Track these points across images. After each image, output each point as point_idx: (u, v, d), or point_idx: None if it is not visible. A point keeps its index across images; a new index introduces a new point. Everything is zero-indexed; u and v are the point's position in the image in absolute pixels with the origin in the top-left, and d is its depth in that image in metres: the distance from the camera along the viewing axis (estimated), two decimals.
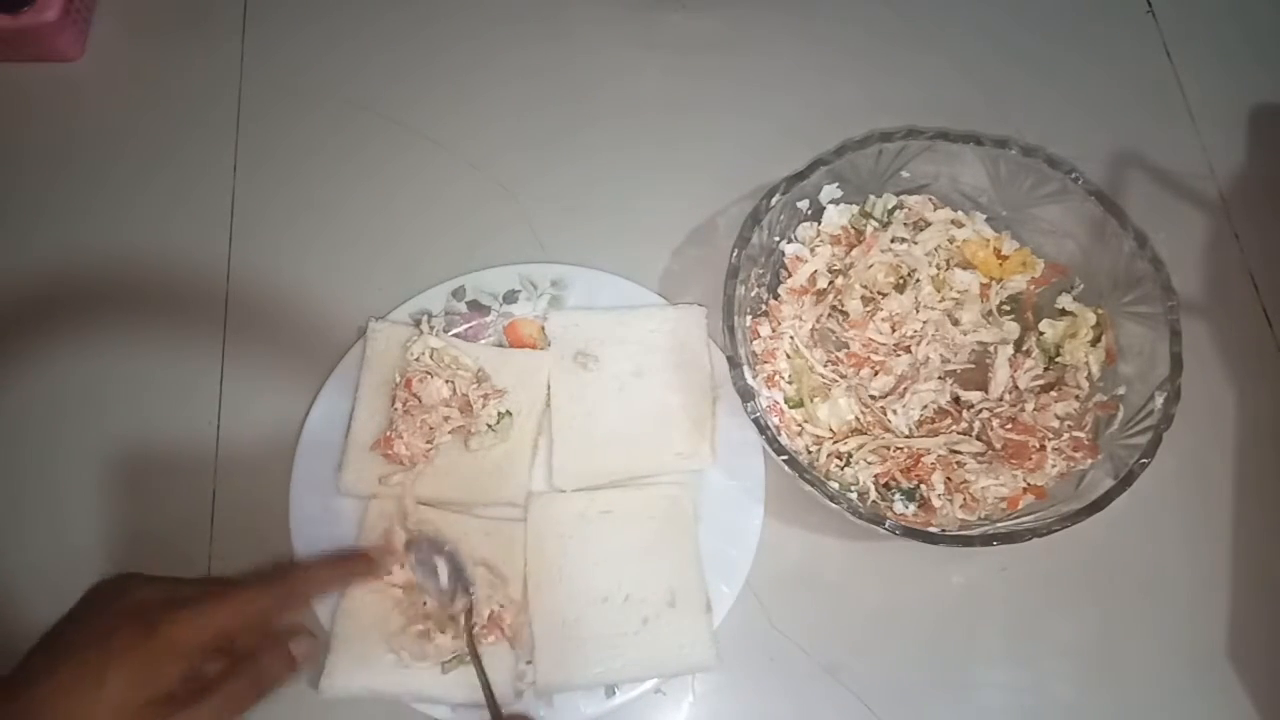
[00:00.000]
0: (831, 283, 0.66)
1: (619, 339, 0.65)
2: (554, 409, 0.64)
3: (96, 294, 0.68)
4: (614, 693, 0.58)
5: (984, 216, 0.67)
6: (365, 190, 0.72)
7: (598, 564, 0.60)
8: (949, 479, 0.60)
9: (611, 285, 0.67)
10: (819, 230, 0.67)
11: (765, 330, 0.64)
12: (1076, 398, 0.62)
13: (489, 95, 0.76)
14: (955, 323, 0.65)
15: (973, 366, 0.65)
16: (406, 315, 0.66)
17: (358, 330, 0.66)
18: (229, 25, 0.77)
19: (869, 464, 0.61)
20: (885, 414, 0.63)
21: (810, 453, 0.62)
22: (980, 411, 0.62)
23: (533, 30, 0.78)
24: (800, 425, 0.63)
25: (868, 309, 0.65)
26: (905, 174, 0.66)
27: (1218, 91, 0.78)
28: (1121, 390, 0.61)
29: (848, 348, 0.64)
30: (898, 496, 0.61)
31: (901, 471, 0.61)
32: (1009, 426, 0.61)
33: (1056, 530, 0.55)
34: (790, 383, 0.64)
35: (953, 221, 0.67)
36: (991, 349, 0.64)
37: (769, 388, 0.63)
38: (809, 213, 0.66)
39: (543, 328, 0.66)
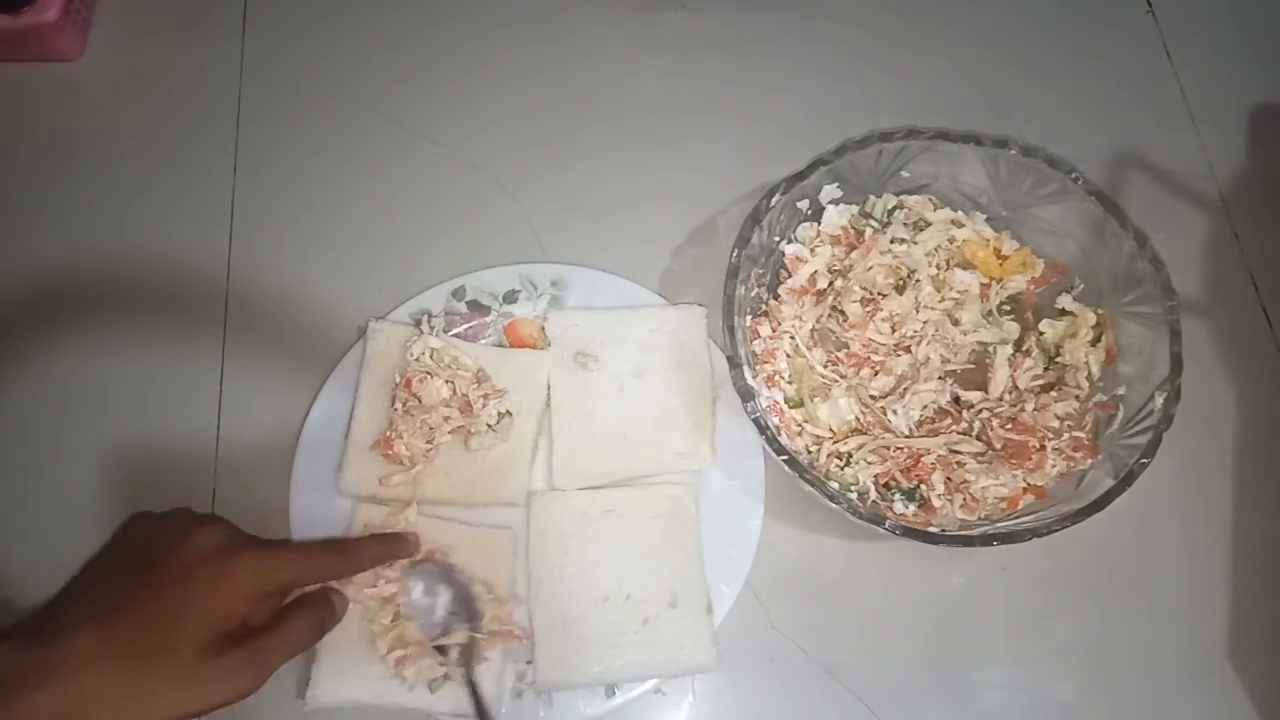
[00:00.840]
0: (831, 283, 0.66)
1: (619, 339, 0.65)
2: (554, 409, 0.64)
3: (97, 294, 0.68)
4: (614, 693, 0.58)
5: (984, 216, 0.67)
6: (365, 190, 0.72)
7: (599, 563, 0.60)
8: (949, 479, 0.60)
9: (611, 285, 0.67)
10: (819, 230, 0.67)
11: (765, 330, 0.64)
12: (1076, 398, 0.62)
13: (489, 95, 0.76)
14: (955, 323, 0.65)
15: (973, 367, 0.65)
16: (406, 315, 0.66)
17: (358, 330, 0.66)
18: (229, 25, 0.77)
19: (869, 464, 0.61)
20: (885, 414, 0.63)
21: (810, 453, 0.62)
22: (980, 411, 0.62)
23: (533, 30, 0.78)
24: (800, 425, 0.63)
25: (867, 310, 0.65)
26: (905, 174, 0.66)
27: (1218, 91, 0.78)
28: (1121, 390, 0.61)
29: (848, 348, 0.64)
30: (898, 496, 0.61)
31: (901, 471, 0.61)
32: (1009, 426, 0.61)
33: (1056, 530, 0.55)
34: (790, 383, 0.64)
35: (953, 221, 0.67)
36: (991, 349, 0.64)
37: (769, 388, 0.63)
38: (809, 213, 0.66)
39: (543, 328, 0.66)
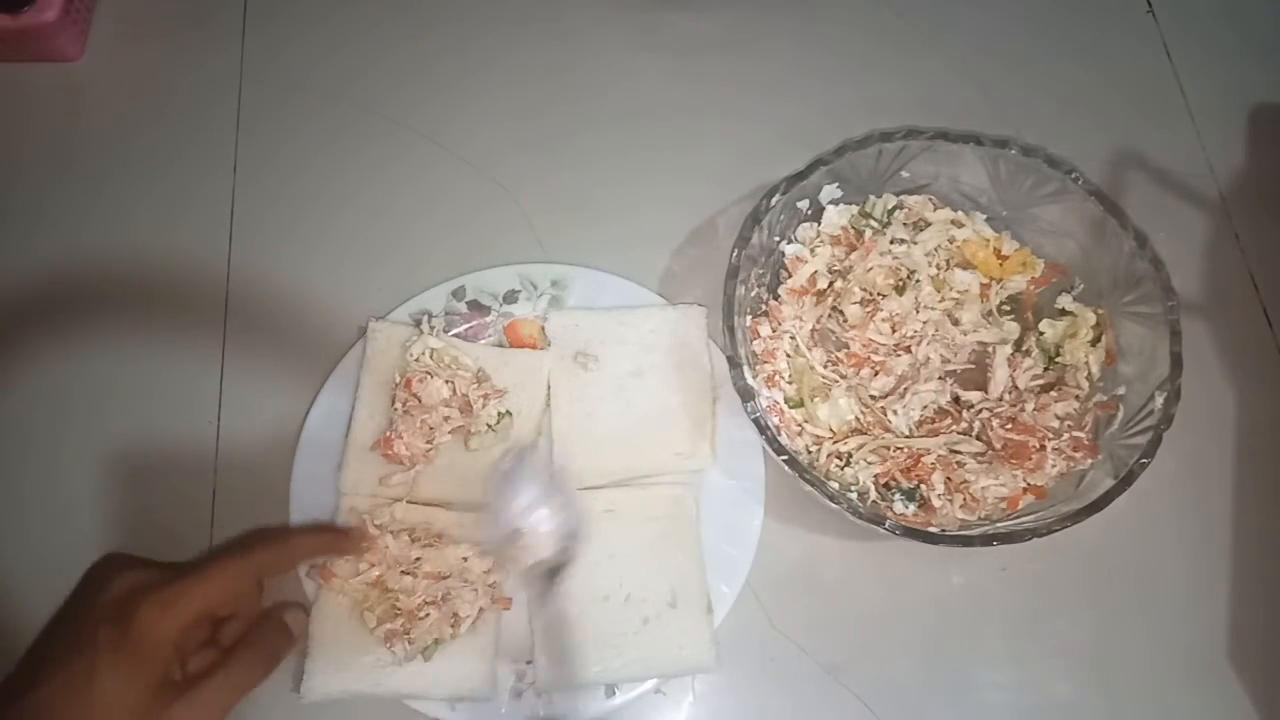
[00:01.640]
0: (831, 284, 0.66)
1: (619, 339, 0.65)
2: (554, 409, 0.64)
3: (97, 294, 0.68)
4: (614, 693, 0.58)
5: (984, 216, 0.67)
6: (366, 190, 0.72)
7: (599, 563, 0.60)
8: (949, 479, 0.60)
9: (611, 285, 0.67)
10: (819, 231, 0.67)
11: (765, 331, 0.64)
12: (1076, 398, 0.62)
13: (490, 96, 0.76)
14: (955, 323, 0.65)
15: (973, 367, 0.65)
16: (406, 315, 0.66)
17: (358, 330, 0.66)
18: (229, 25, 0.77)
19: (869, 464, 0.61)
20: (885, 414, 0.63)
21: (810, 453, 0.62)
22: (980, 411, 0.62)
23: (534, 31, 0.78)
24: (800, 425, 0.63)
25: (867, 310, 0.65)
26: (905, 174, 0.66)
27: (1218, 91, 0.78)
28: (1121, 390, 0.61)
29: (848, 348, 0.64)
30: (898, 496, 0.61)
31: (901, 471, 0.61)
32: (1009, 426, 0.61)
33: (1056, 530, 0.55)
34: (790, 383, 0.64)
35: (952, 221, 0.67)
36: (991, 349, 0.64)
37: (769, 388, 0.63)
38: (809, 213, 0.66)
39: (543, 328, 0.66)
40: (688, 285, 0.69)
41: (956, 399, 0.64)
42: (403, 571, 0.58)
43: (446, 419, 0.62)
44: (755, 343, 0.64)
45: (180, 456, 0.64)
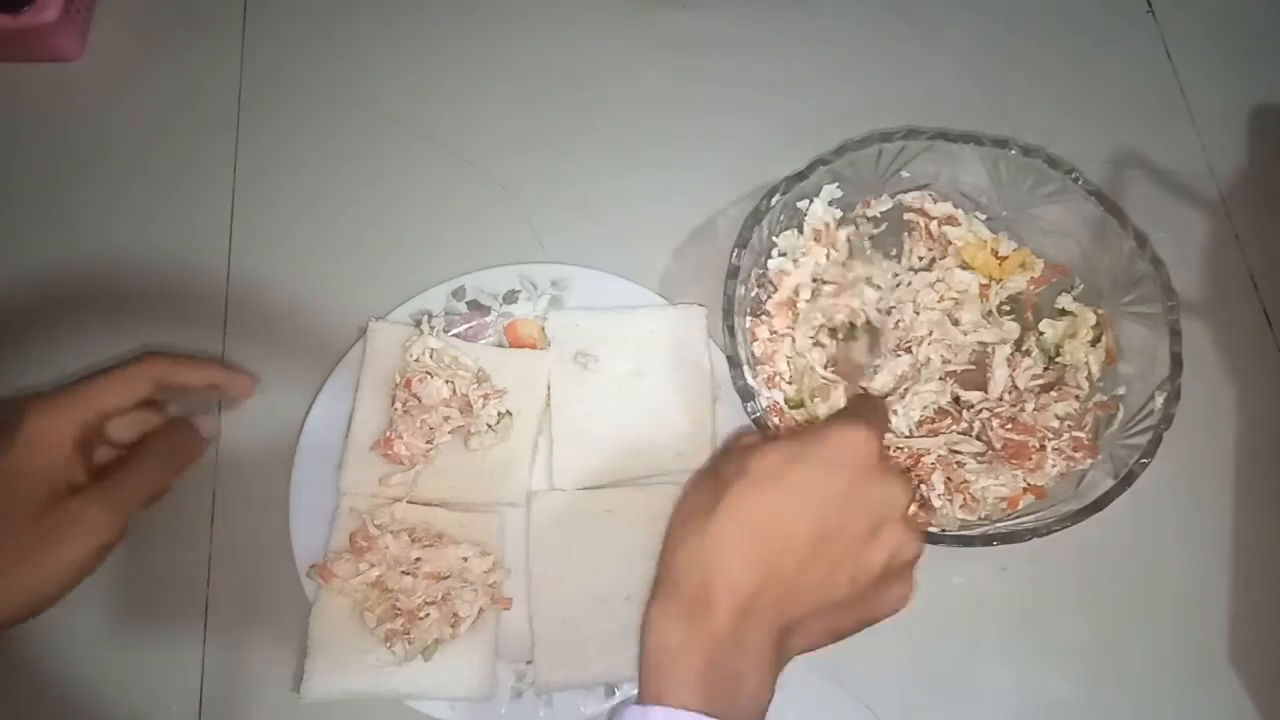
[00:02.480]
0: (815, 294, 0.65)
1: (619, 339, 0.65)
2: (554, 409, 0.64)
3: (96, 294, 0.68)
4: (614, 693, 0.58)
5: (984, 216, 0.67)
6: (366, 190, 0.72)
7: (599, 563, 0.60)
8: (949, 479, 0.60)
9: (612, 285, 0.67)
10: (803, 231, 0.66)
11: (764, 333, 0.64)
12: (1076, 398, 0.62)
13: (489, 95, 0.76)
14: (955, 323, 0.65)
15: (973, 367, 0.65)
16: (406, 315, 0.66)
17: (358, 330, 0.66)
18: (229, 25, 0.77)
19: None
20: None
21: None
22: (980, 411, 0.62)
23: (533, 30, 0.78)
24: (800, 425, 0.63)
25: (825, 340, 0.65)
26: (905, 174, 0.66)
27: (1218, 91, 0.78)
28: (1121, 390, 0.61)
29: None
30: None
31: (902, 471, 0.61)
32: (1009, 426, 0.61)
33: (1056, 530, 0.55)
34: (790, 383, 0.64)
35: (949, 219, 0.67)
36: (990, 349, 0.64)
37: (769, 388, 0.63)
38: (807, 213, 0.66)
39: (543, 328, 0.66)
40: (688, 285, 0.69)
41: (956, 399, 0.64)
42: (403, 571, 0.58)
43: (446, 419, 0.62)
44: (755, 344, 0.64)
45: None
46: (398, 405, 0.62)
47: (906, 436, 0.62)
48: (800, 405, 0.63)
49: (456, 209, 0.72)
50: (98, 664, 0.59)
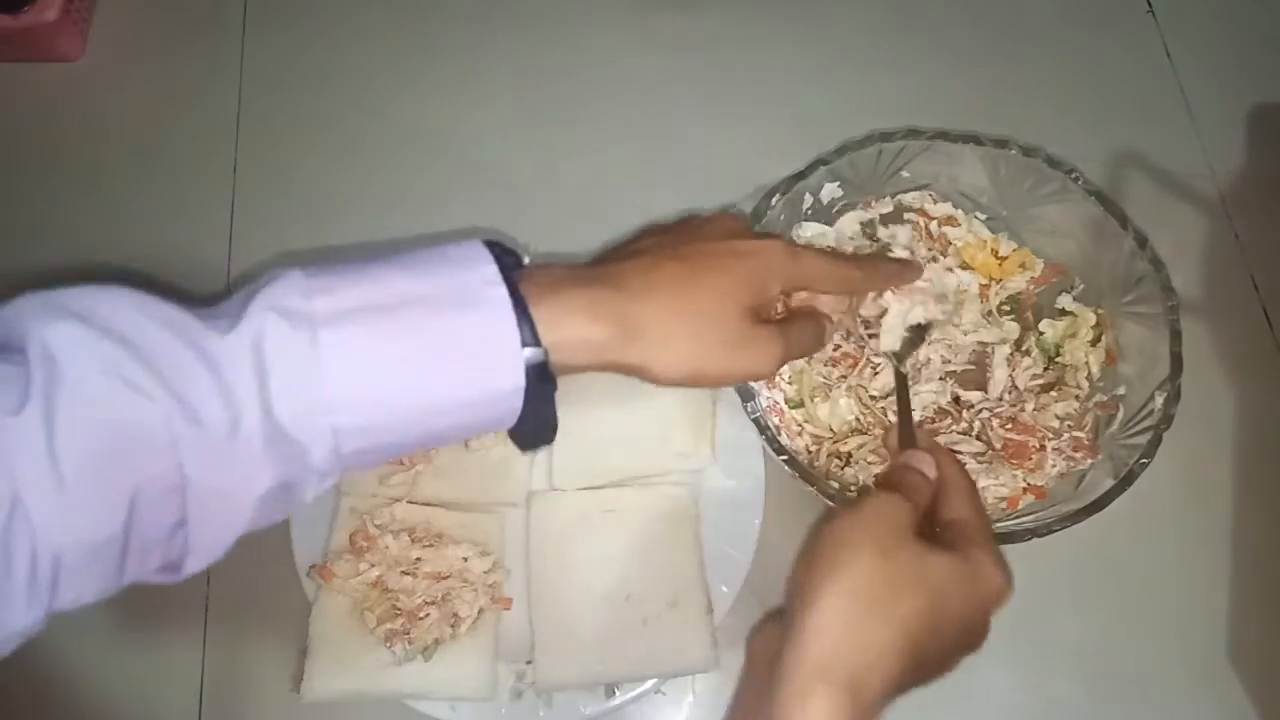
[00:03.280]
0: None
1: None
2: None
3: None
4: (614, 693, 0.58)
5: (984, 216, 0.67)
6: (365, 190, 0.72)
7: (599, 563, 0.60)
8: None
9: None
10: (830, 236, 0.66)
11: None
12: (1076, 398, 0.62)
13: (489, 95, 0.76)
14: (955, 323, 0.65)
15: (973, 367, 0.65)
16: None
17: None
18: (229, 26, 0.77)
19: (869, 464, 0.61)
20: (885, 414, 0.63)
21: (810, 453, 0.62)
22: (980, 411, 0.62)
23: (533, 31, 0.78)
24: (800, 425, 0.63)
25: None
26: (905, 174, 0.66)
27: (1218, 91, 0.78)
28: (1121, 390, 0.61)
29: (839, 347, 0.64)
30: None
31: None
32: (1009, 426, 0.61)
33: (1056, 530, 0.55)
34: (790, 383, 0.64)
35: (949, 220, 0.67)
36: (990, 349, 0.64)
37: (769, 388, 0.63)
38: (809, 212, 0.66)
39: None
40: None
41: (956, 399, 0.64)
42: (403, 571, 0.58)
43: None
44: None
45: None
46: None
47: None
48: (800, 405, 0.63)
49: (456, 209, 0.72)
50: (98, 664, 0.59)
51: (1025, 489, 0.60)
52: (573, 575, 0.60)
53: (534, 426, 0.44)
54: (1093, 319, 0.63)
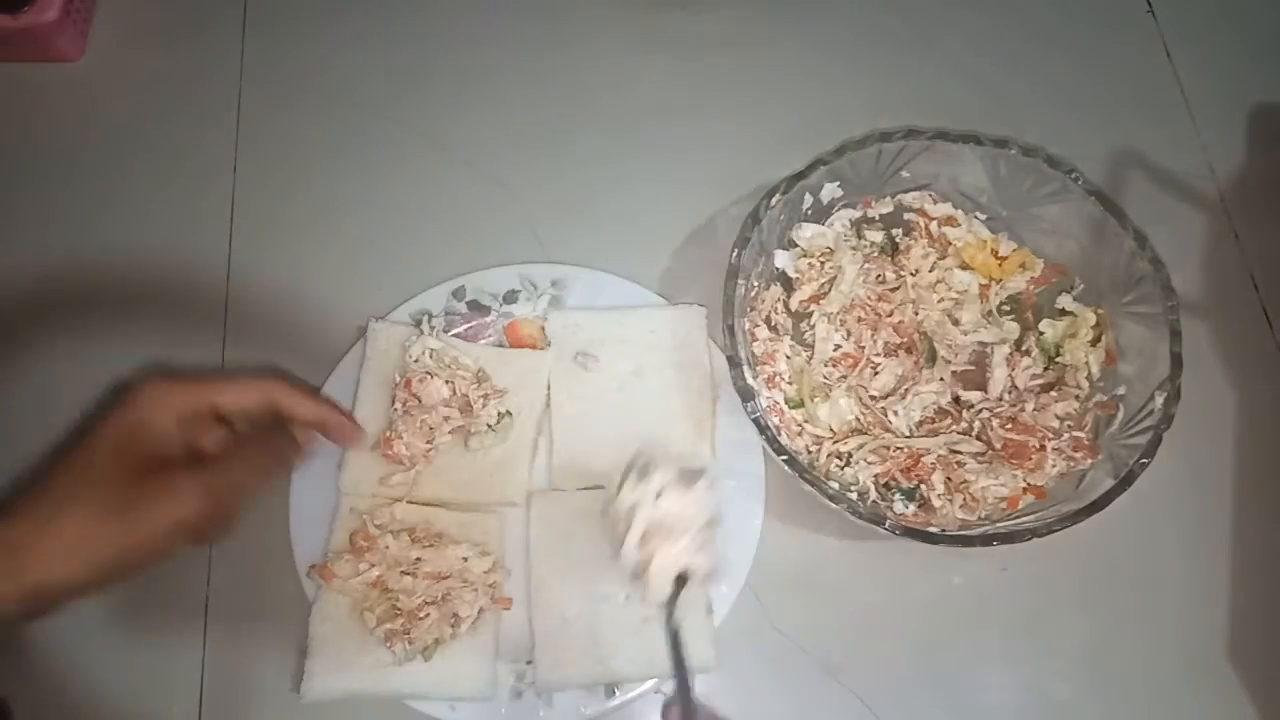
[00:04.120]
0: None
1: (619, 339, 0.65)
2: (554, 409, 0.64)
3: (96, 294, 0.68)
4: (614, 693, 0.58)
5: (984, 216, 0.67)
6: (366, 190, 0.72)
7: (599, 563, 0.60)
8: (949, 479, 0.60)
9: (612, 285, 0.67)
10: (821, 235, 0.66)
11: (764, 333, 0.64)
12: (1076, 398, 0.62)
13: (489, 95, 0.76)
14: (955, 323, 0.65)
15: (973, 367, 0.65)
16: (406, 315, 0.66)
17: (358, 330, 0.66)
18: (229, 25, 0.77)
19: (869, 464, 0.61)
20: (885, 414, 0.63)
21: (810, 453, 0.62)
22: (980, 411, 0.62)
23: (533, 30, 0.78)
24: (800, 425, 0.63)
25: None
26: (905, 174, 0.66)
27: (1218, 91, 0.78)
28: (1121, 390, 0.61)
29: (839, 348, 0.64)
30: (898, 496, 0.61)
31: (901, 471, 0.61)
32: (1009, 426, 0.61)
33: (1056, 530, 0.55)
34: (790, 383, 0.64)
35: (949, 220, 0.67)
36: (990, 349, 0.64)
37: (769, 388, 0.63)
38: (809, 212, 0.66)
39: (543, 328, 0.66)
40: (688, 285, 0.69)
41: (956, 399, 0.64)
42: (403, 571, 0.58)
43: (446, 419, 0.62)
44: (755, 344, 0.64)
45: None
46: (398, 405, 0.62)
47: (906, 436, 0.62)
48: (800, 405, 0.63)
49: (456, 209, 0.72)
50: (99, 664, 0.59)
51: (1025, 489, 0.60)
52: (573, 575, 0.60)
53: None
54: (1093, 319, 0.63)
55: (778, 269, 0.66)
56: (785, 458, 0.56)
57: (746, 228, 0.61)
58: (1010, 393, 0.63)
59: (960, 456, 0.61)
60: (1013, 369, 0.64)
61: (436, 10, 0.78)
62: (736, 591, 0.60)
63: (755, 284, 0.65)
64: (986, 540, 0.55)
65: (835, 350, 0.64)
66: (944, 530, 0.57)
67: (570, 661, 0.58)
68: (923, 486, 0.61)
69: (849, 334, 0.65)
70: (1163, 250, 0.60)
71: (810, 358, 0.64)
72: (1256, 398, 0.68)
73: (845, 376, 0.64)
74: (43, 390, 0.65)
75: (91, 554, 0.43)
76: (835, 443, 0.62)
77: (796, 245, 0.66)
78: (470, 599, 0.58)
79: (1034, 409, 0.61)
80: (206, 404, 0.49)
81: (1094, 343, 0.63)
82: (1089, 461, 0.59)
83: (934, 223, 0.67)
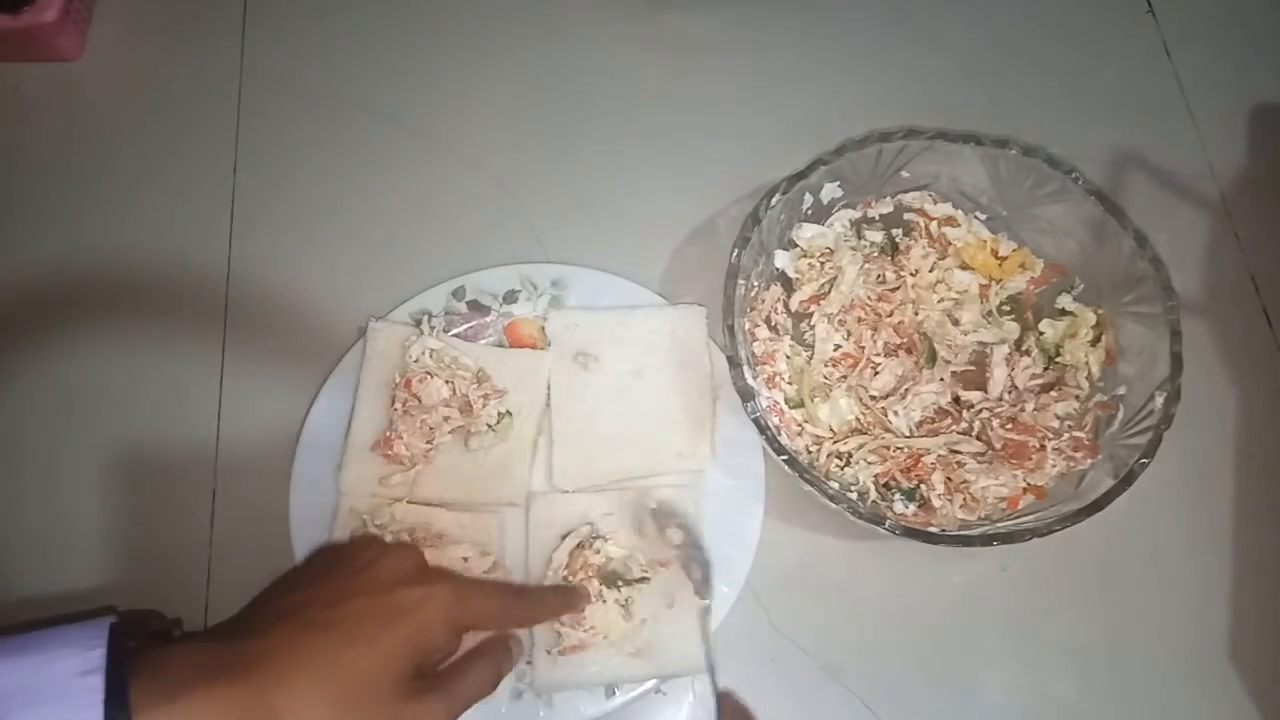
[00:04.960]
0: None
1: (619, 339, 0.65)
2: (554, 409, 0.64)
3: (96, 294, 0.68)
4: (614, 693, 0.58)
5: (984, 216, 0.67)
6: (365, 190, 0.72)
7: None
8: (949, 479, 0.60)
9: (612, 285, 0.67)
10: (823, 235, 0.66)
11: (764, 333, 0.64)
12: (1076, 398, 0.62)
13: (489, 94, 0.76)
14: (955, 323, 0.65)
15: (973, 367, 0.65)
16: (406, 315, 0.66)
17: (358, 330, 0.66)
18: (229, 26, 0.77)
19: (869, 464, 0.61)
20: (885, 414, 0.63)
21: (810, 453, 0.62)
22: (980, 411, 0.62)
23: (533, 29, 0.78)
24: (800, 425, 0.63)
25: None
26: (905, 174, 0.66)
27: (1218, 91, 0.78)
28: (1121, 390, 0.61)
29: (840, 348, 0.64)
30: (898, 496, 0.61)
31: (901, 471, 0.61)
32: (1009, 426, 0.61)
33: (1056, 530, 0.55)
34: (790, 383, 0.64)
35: (949, 220, 0.67)
36: (989, 349, 0.64)
37: (769, 388, 0.63)
38: (809, 212, 0.66)
39: (543, 328, 0.66)
40: (688, 285, 0.69)
41: (956, 399, 0.64)
42: None
43: (446, 419, 0.62)
44: (755, 344, 0.64)
45: (180, 457, 0.64)
46: (398, 405, 0.62)
47: (907, 436, 0.62)
48: (800, 405, 0.63)
49: (456, 209, 0.72)
50: None
51: (1025, 489, 0.60)
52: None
53: None
54: (1093, 319, 0.63)
55: (778, 269, 0.66)
56: (785, 458, 0.56)
57: (746, 228, 0.61)
58: (1010, 393, 0.63)
59: (960, 456, 0.61)
60: (1013, 369, 0.64)
61: (437, 10, 0.78)
62: (736, 592, 0.60)
63: (755, 284, 0.65)
64: (986, 540, 0.55)
65: (835, 350, 0.64)
66: (944, 530, 0.57)
67: (570, 661, 0.57)
68: (923, 486, 0.61)
69: (849, 334, 0.65)
70: (1163, 250, 0.60)
71: (810, 358, 0.64)
72: (1256, 398, 0.68)
73: (845, 376, 0.64)
74: (43, 390, 0.65)
75: None
76: (835, 443, 0.62)
77: (796, 245, 0.66)
78: None
79: (1034, 409, 0.61)
80: (474, 614, 0.49)
81: (1094, 343, 0.63)
82: (1089, 461, 0.59)
83: (934, 223, 0.67)
